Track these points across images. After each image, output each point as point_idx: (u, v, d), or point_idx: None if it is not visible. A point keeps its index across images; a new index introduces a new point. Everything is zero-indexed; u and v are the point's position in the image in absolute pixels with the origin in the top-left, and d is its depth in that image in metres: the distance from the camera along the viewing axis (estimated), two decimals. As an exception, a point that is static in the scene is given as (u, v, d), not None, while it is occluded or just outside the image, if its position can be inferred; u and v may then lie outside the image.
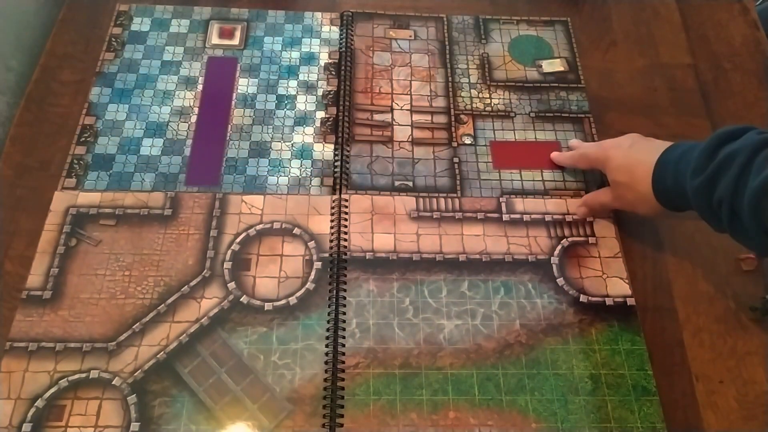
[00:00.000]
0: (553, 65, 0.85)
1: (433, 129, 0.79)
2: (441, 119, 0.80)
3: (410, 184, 0.74)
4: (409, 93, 0.82)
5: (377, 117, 0.79)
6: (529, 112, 0.81)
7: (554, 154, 0.77)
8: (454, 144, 0.78)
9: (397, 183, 0.74)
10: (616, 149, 0.69)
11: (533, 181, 0.75)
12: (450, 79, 0.83)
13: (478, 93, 0.82)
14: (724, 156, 0.57)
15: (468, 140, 0.78)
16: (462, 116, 0.80)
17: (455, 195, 0.73)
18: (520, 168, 0.76)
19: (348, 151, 0.76)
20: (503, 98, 0.82)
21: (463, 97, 0.82)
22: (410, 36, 0.87)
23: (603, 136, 0.79)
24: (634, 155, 0.67)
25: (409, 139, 0.78)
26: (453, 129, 0.79)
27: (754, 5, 0.95)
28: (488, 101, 0.81)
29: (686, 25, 0.91)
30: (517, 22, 0.89)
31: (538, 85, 0.84)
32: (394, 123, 0.79)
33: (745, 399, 0.63)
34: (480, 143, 0.78)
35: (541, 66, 0.85)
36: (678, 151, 0.63)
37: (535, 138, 0.79)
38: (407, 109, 0.80)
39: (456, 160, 0.76)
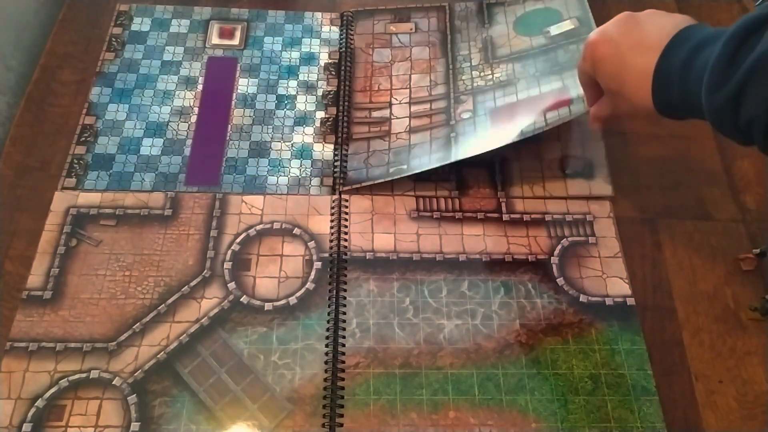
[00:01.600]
0: (562, 27, 0.81)
1: (432, 115, 0.78)
2: (440, 104, 0.78)
3: (404, 167, 0.73)
4: (408, 87, 0.81)
5: (375, 114, 0.79)
6: (534, 72, 0.78)
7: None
8: (452, 122, 0.76)
9: (391, 169, 0.73)
10: (604, 45, 0.56)
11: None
12: (451, 66, 0.82)
13: (480, 72, 0.80)
14: (751, 62, 0.44)
15: (466, 115, 0.76)
16: (462, 96, 0.78)
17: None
18: (519, 125, 0.72)
19: (347, 151, 0.76)
20: (506, 71, 0.80)
21: (464, 80, 0.80)
22: (411, 29, 0.86)
23: (603, 137, 0.79)
24: (623, 55, 0.54)
25: (407, 129, 0.77)
26: (452, 110, 0.77)
27: (753, 5, 0.95)
28: (490, 77, 0.79)
29: (686, 25, 0.91)
30: (524, 0, 0.87)
31: (545, 48, 0.80)
32: (392, 117, 0.78)
33: (745, 399, 0.63)
34: (479, 114, 0.76)
35: (548, 32, 0.82)
36: (684, 50, 0.50)
37: (540, 92, 0.75)
38: (406, 102, 0.80)
39: (453, 134, 0.75)
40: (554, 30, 0.81)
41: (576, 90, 0.71)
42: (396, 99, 0.80)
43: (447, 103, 0.78)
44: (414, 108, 0.79)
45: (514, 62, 0.80)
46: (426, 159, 0.74)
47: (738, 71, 0.45)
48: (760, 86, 0.44)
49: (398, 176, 0.73)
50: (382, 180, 0.73)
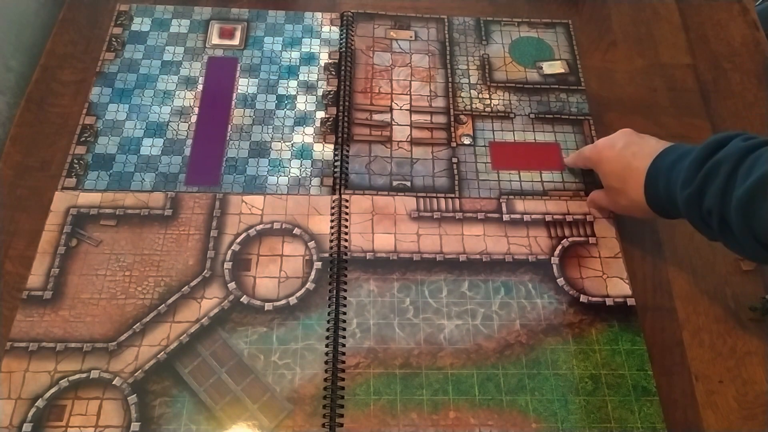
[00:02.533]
0: (554, 67, 0.85)
1: (432, 129, 0.79)
2: (440, 119, 0.80)
3: (408, 184, 0.74)
4: (408, 93, 0.82)
5: (376, 117, 0.79)
6: (529, 113, 0.81)
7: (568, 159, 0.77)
8: (453, 144, 0.78)
9: (395, 183, 0.74)
10: (609, 150, 0.68)
11: (532, 182, 0.75)
12: (450, 79, 0.83)
13: (478, 93, 0.82)
14: (710, 166, 0.57)
15: (467, 140, 0.78)
16: (461, 116, 0.80)
17: (454, 195, 0.73)
18: (518, 169, 0.76)
19: (347, 151, 0.76)
20: (503, 99, 0.82)
21: (462, 97, 0.82)
22: (411, 36, 0.87)
23: (603, 137, 0.79)
24: (626, 159, 0.66)
25: (408, 139, 0.78)
26: (452, 129, 0.79)
27: (753, 5, 0.95)
28: (488, 102, 0.81)
29: (686, 26, 0.91)
30: (518, 24, 0.89)
31: (539, 86, 0.83)
32: (393, 123, 0.79)
33: (745, 399, 0.63)
34: (479, 144, 0.78)
35: (541, 68, 0.85)
36: (670, 158, 0.62)
37: (535, 139, 0.79)
38: (406, 109, 0.80)
39: (455, 160, 0.76)
40: (546, 68, 0.85)
41: (565, 155, 0.78)
42: (397, 104, 0.80)
43: (447, 120, 0.80)
44: (415, 117, 0.80)
45: (510, 93, 0.83)
46: (430, 181, 0.75)
47: (701, 173, 0.57)
48: (714, 184, 0.56)
49: (401, 192, 0.74)
50: (389, 193, 0.73)
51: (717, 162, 0.56)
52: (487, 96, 0.82)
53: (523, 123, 0.80)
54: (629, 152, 0.66)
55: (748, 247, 0.55)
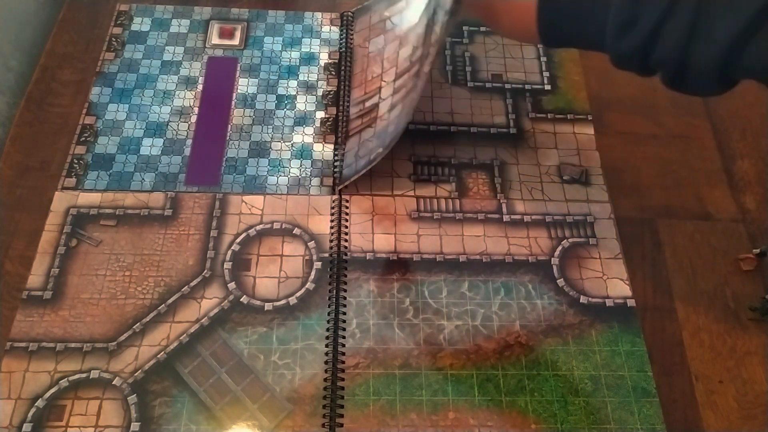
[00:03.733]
0: None
1: (410, 70, 0.73)
2: (416, 67, 0.72)
3: (381, 150, 0.71)
4: (395, 65, 0.77)
5: (368, 104, 0.78)
6: None
7: None
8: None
9: (373, 156, 0.72)
10: None
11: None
12: (429, 21, 0.71)
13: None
14: (664, 5, 0.44)
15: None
16: (432, 49, 0.70)
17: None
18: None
19: (345, 150, 0.76)
20: None
21: (437, 30, 0.70)
22: (403, 6, 0.82)
23: (602, 137, 0.79)
24: None
25: (389, 108, 0.74)
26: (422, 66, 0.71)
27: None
28: None
29: (686, 25, 0.91)
30: None
31: None
32: (380, 101, 0.77)
33: (745, 399, 0.64)
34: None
35: None
36: None
37: None
38: (392, 81, 0.77)
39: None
40: None
41: None
42: (384, 81, 0.78)
43: (420, 64, 0.71)
44: (398, 83, 0.75)
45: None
46: (402, 125, 0.70)
47: (650, 13, 0.44)
48: (672, 31, 0.43)
49: (378, 159, 0.71)
50: (367, 168, 0.71)
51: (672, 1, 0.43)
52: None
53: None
54: None
55: (708, 92, 0.47)
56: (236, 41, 0.85)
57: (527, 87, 0.83)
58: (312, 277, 0.67)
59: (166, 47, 0.84)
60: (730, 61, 0.43)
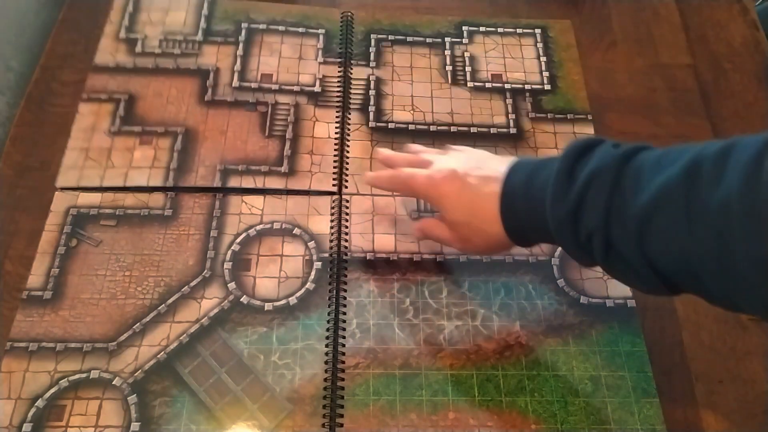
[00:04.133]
0: None
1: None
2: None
3: None
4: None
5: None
6: None
7: (368, 176, 0.67)
8: None
9: None
10: (448, 182, 0.58)
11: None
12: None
13: None
14: (585, 178, 0.48)
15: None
16: None
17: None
18: None
19: (348, 152, 0.76)
20: None
21: None
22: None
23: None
24: (469, 189, 0.56)
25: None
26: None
27: (753, 5, 0.95)
28: None
29: (686, 26, 0.91)
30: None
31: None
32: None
33: (745, 399, 0.64)
34: None
35: None
36: (522, 174, 0.54)
37: None
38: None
39: None
40: None
41: None
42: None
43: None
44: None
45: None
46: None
47: (574, 186, 0.48)
48: (594, 200, 0.47)
49: None
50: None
51: (592, 173, 0.48)
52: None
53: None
54: (474, 178, 0.57)
55: (642, 274, 0.47)
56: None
57: (527, 87, 0.83)
58: (312, 277, 0.67)
59: (166, 47, 0.84)
60: (644, 238, 0.45)
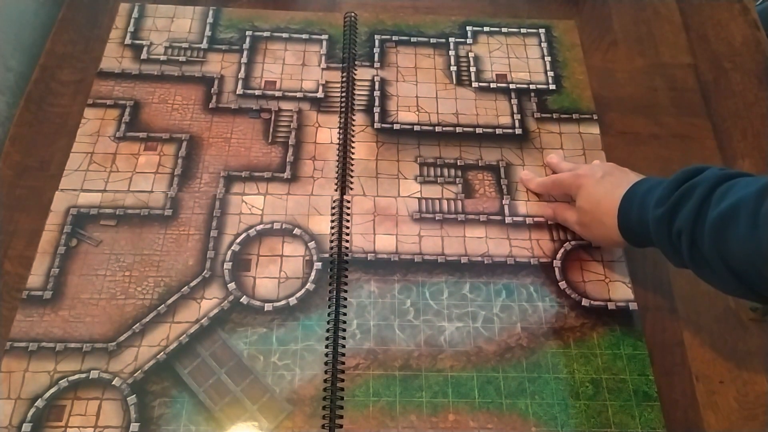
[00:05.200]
0: None
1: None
2: None
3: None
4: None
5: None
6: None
7: (524, 176, 0.75)
8: None
9: None
10: (589, 178, 0.68)
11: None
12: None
13: None
14: (686, 187, 0.57)
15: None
16: None
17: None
18: None
19: (352, 153, 0.76)
20: None
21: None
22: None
23: (603, 137, 0.79)
24: (603, 187, 0.66)
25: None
26: None
27: (754, 5, 0.95)
28: None
29: (686, 25, 0.91)
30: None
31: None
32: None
33: (745, 399, 0.63)
34: None
35: None
36: (645, 185, 0.62)
37: None
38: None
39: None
40: None
41: None
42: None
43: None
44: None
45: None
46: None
47: (675, 193, 0.57)
48: (687, 204, 0.56)
49: None
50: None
51: (693, 185, 0.57)
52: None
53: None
54: (609, 181, 0.66)
55: (718, 272, 0.54)
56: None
57: (532, 87, 0.83)
58: (312, 277, 0.67)
59: (167, 47, 0.84)
60: (718, 240, 0.53)
